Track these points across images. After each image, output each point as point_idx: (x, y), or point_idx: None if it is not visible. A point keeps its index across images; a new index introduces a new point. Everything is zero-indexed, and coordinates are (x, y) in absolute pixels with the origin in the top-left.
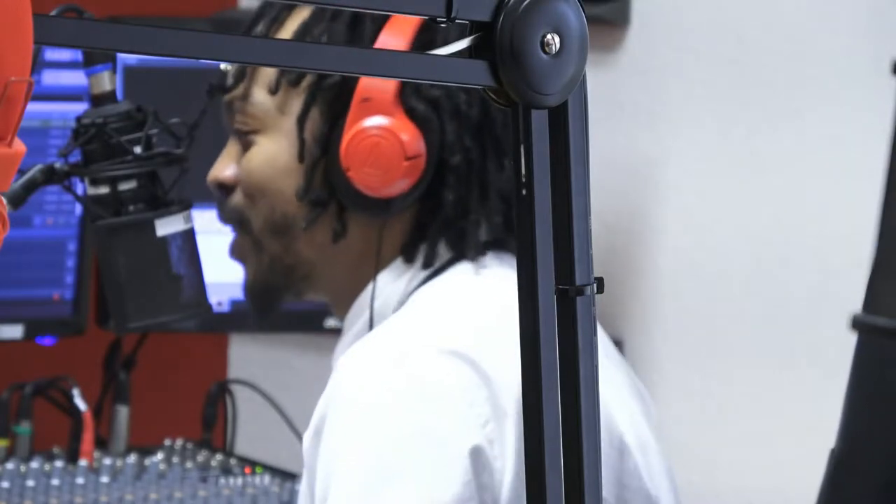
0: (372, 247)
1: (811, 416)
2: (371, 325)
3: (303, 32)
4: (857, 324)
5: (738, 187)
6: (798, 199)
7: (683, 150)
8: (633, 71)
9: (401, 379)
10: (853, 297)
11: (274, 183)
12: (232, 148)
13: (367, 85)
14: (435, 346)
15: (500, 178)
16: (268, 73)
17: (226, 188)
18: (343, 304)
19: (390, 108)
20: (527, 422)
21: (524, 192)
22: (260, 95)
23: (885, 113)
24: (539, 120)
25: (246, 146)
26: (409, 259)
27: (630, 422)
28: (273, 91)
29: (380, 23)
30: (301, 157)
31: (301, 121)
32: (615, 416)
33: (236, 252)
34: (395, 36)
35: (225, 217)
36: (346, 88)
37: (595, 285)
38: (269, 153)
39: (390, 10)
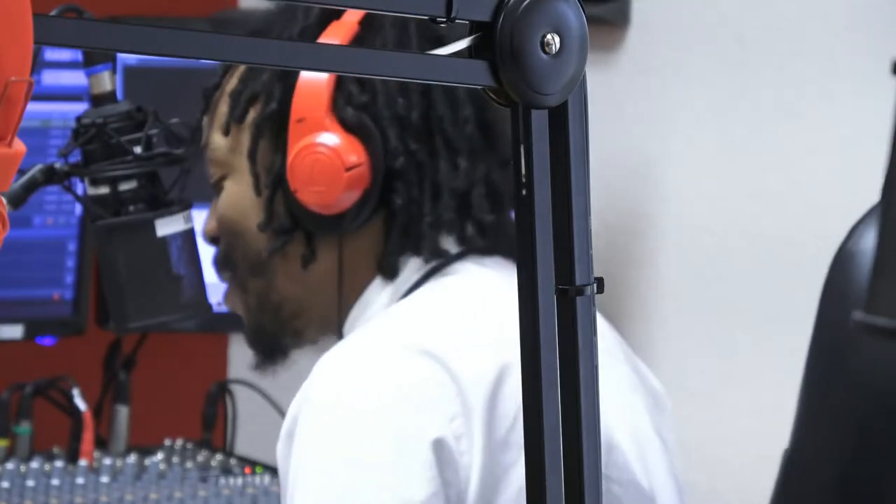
0: (345, 267)
1: None
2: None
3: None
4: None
5: (738, 187)
6: (798, 199)
7: (683, 150)
8: (633, 71)
9: (369, 379)
10: None
11: (241, 222)
12: (215, 201)
13: (300, 105)
14: (403, 345)
15: (455, 178)
16: (222, 117)
17: (214, 240)
18: (336, 330)
19: (324, 123)
20: (527, 422)
21: (524, 192)
22: (217, 140)
23: (885, 113)
24: (539, 120)
25: (219, 194)
26: (385, 275)
27: (625, 416)
28: (226, 132)
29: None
30: (258, 190)
31: (252, 155)
32: (605, 409)
33: (227, 301)
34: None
35: (216, 267)
36: (285, 114)
37: (595, 285)
38: (234, 194)
39: (390, 10)
